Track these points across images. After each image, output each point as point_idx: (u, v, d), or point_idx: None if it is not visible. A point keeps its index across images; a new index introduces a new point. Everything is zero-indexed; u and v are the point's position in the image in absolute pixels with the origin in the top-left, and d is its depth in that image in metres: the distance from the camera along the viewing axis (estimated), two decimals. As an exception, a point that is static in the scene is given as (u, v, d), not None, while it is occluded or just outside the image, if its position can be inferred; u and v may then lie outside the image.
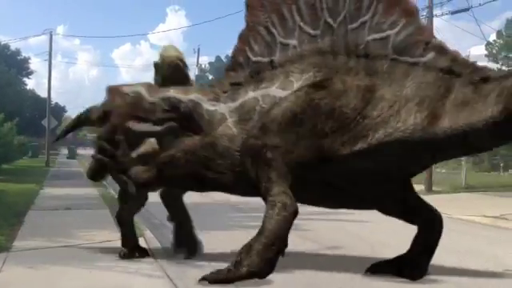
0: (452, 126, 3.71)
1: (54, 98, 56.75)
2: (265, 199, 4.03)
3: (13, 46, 46.36)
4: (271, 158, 3.96)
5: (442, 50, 3.89)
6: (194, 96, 4.63)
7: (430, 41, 3.90)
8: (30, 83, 57.10)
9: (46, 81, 35.62)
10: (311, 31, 4.17)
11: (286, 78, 4.17)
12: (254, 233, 4.07)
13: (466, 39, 62.99)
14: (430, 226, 4.39)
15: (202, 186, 4.65)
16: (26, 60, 48.71)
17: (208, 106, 4.51)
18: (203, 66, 59.42)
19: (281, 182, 3.92)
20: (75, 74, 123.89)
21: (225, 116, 4.40)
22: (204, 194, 6.04)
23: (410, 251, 4.43)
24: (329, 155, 3.93)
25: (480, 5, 18.37)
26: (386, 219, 4.93)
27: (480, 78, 3.77)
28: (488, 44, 34.06)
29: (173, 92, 4.70)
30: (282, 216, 3.77)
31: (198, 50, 51.66)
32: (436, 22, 20.73)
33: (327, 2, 4.12)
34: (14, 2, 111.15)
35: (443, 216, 4.68)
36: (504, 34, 34.38)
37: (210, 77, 59.41)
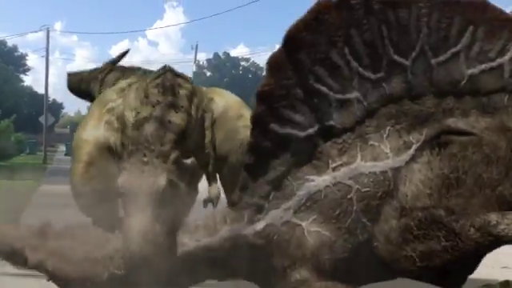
0: None
1: (52, 95, 56.70)
2: None
3: (10, 43, 46.37)
4: None
5: None
6: None
7: None
8: (28, 80, 56.90)
9: (43, 77, 35.46)
10: (371, 75, 3.16)
11: (365, 145, 3.14)
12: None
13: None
14: None
15: None
16: (23, 56, 48.74)
17: None
18: (201, 62, 59.34)
19: None
20: (73, 71, 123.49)
21: None
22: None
23: None
24: None
25: None
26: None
27: None
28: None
29: None
30: None
31: (196, 46, 51.49)
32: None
33: (390, 35, 3.10)
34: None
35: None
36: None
37: (208, 73, 59.43)
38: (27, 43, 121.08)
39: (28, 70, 49.93)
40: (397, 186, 3.03)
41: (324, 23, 3.07)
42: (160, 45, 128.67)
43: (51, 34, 34.65)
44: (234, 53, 68.76)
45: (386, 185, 3.04)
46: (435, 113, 3.15)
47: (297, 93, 3.12)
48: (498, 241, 2.99)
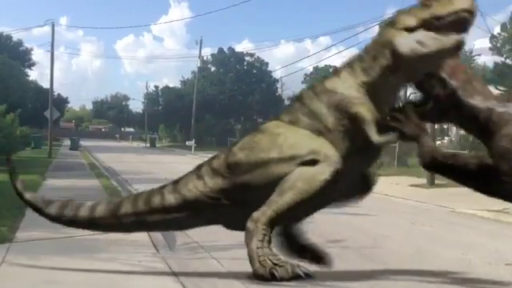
0: None
1: (57, 90, 56.77)
2: None
3: (15, 37, 46.35)
4: None
5: None
6: (490, 103, 4.19)
7: None
8: (33, 74, 57.05)
9: (48, 72, 35.52)
10: None
11: None
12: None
13: (471, 32, 62.41)
14: None
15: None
16: (28, 51, 48.66)
17: (499, 108, 4.10)
18: (205, 57, 59.09)
19: None
20: (78, 66, 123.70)
21: None
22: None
23: None
24: None
25: (485, -3, 18.23)
26: (388, 212, 4.93)
27: None
28: (492, 37, 33.86)
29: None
30: None
31: (201, 41, 51.43)
32: (440, 14, 20.54)
33: None
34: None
35: (446, 210, 4.67)
36: (508, 26, 34.15)
37: (213, 68, 59.31)
38: (32, 38, 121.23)
39: (33, 64, 49.98)
40: None
41: None
42: (165, 40, 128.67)
43: (56, 28, 34.73)
44: (238, 48, 68.57)
45: None
46: None
47: None
48: None
